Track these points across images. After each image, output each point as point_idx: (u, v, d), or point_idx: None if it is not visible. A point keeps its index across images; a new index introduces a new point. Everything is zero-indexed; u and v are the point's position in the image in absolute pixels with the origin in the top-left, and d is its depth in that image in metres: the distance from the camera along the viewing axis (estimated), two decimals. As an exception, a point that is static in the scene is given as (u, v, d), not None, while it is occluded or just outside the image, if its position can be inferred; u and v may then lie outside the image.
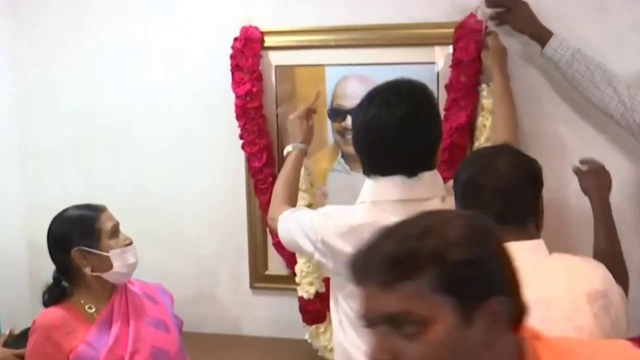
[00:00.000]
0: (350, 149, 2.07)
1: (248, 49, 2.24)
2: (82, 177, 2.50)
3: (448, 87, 2.11)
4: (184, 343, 1.99)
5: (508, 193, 1.40)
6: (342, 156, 2.29)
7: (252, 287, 2.44)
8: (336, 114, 2.26)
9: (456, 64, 2.09)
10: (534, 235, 1.44)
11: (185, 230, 2.48)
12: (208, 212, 2.46)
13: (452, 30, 2.09)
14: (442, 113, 2.07)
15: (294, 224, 1.70)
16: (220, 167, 2.43)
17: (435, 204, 1.53)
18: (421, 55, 2.17)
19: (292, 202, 1.88)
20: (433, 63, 2.16)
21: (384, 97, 1.54)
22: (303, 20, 2.25)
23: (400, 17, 2.17)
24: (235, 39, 2.26)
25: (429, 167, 1.56)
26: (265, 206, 2.28)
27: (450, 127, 2.09)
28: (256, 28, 2.26)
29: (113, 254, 1.87)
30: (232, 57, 2.25)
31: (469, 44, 2.06)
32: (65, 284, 1.89)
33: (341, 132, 2.27)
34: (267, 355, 2.31)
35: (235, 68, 2.25)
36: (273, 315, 2.42)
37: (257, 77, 2.24)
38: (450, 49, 2.11)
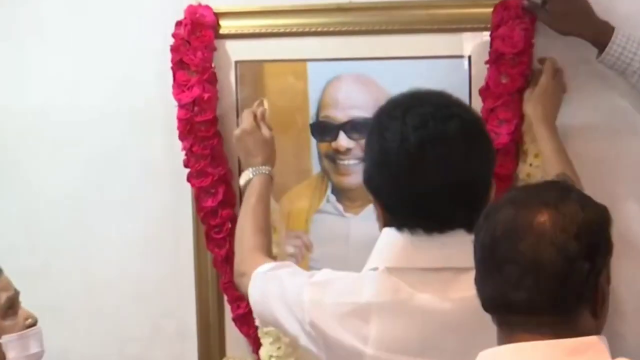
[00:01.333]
0: (344, 181, 2.28)
1: (196, 38, 2.26)
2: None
3: (483, 92, 2.14)
4: None
5: (547, 273, 1.30)
6: (333, 191, 2.31)
7: (201, 381, 2.46)
8: (323, 130, 2.29)
9: (495, 58, 2.12)
10: (587, 329, 1.34)
11: (102, 302, 2.49)
12: (136, 275, 2.48)
13: (489, 10, 2.13)
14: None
15: (273, 288, 1.72)
16: (154, 209, 2.45)
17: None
18: (444, 46, 2.21)
19: (268, 249, 1.92)
20: (461, 57, 2.21)
21: (416, 113, 1.58)
22: None
23: None
24: (178, 24, 2.28)
25: (471, 221, 1.48)
26: (221, 264, 2.31)
27: None
28: (207, 7, 2.29)
29: (7, 341, 1.88)
30: (173, 49, 2.28)
31: (513, 30, 2.09)
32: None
33: (331, 157, 2.29)
34: None
35: (178, 65, 2.27)
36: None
37: (210, 79, 2.27)
38: (487, 36, 2.15)
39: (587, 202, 1.36)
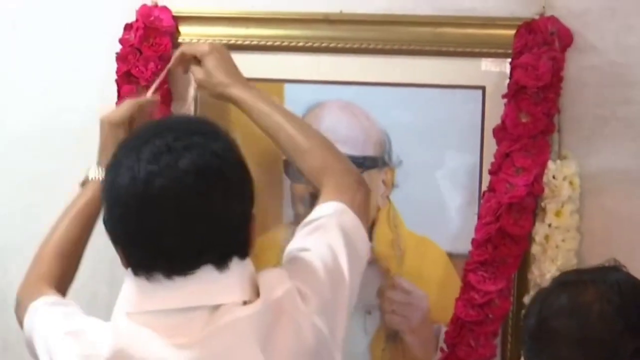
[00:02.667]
0: None
1: (149, 47, 2.14)
2: None
3: (498, 132, 2.03)
4: None
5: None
6: None
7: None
8: None
9: (515, 92, 2.00)
10: None
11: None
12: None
13: (511, 32, 2.01)
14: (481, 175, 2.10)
15: (42, 325, 1.68)
16: (102, 250, 2.13)
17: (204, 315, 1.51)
18: (454, 73, 2.10)
19: (62, 279, 1.86)
20: (474, 88, 2.09)
21: (153, 145, 1.51)
22: (246, 0, 2.16)
23: (420, 4, 2.09)
24: (127, 27, 2.16)
25: (220, 257, 1.53)
26: None
27: (498, 203, 1.99)
28: (165, 10, 2.16)
29: None
30: (119, 58, 2.16)
31: (539, 59, 1.97)
32: None
33: (308, 202, 2.13)
34: None
35: (124, 78, 2.15)
36: None
37: (163, 97, 2.12)
38: (507, 65, 2.05)
39: (635, 280, 1.51)
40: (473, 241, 2.00)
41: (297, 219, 2.11)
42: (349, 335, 2.10)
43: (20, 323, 1.75)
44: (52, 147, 2.31)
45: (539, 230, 2.01)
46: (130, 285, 1.55)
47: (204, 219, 1.48)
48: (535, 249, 2.02)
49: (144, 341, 1.49)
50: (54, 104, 2.30)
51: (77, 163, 2.15)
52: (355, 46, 2.09)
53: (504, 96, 2.00)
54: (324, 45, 2.10)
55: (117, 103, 2.11)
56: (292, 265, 1.62)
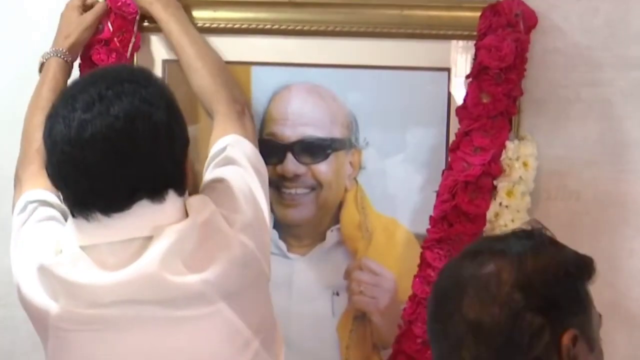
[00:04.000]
0: (290, 214, 2.17)
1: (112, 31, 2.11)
2: None
3: (459, 112, 2.03)
4: None
5: (491, 332, 1.31)
6: (275, 226, 2.15)
7: None
8: (267, 151, 2.07)
9: (477, 73, 2.00)
10: None
11: None
12: None
13: (477, 14, 2.02)
14: (447, 157, 2.09)
15: (17, 223, 1.80)
16: None
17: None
18: (420, 55, 2.10)
19: None
20: (440, 69, 2.10)
21: (87, 94, 1.59)
22: None
23: None
24: None
25: (154, 190, 1.62)
26: None
27: (455, 180, 2.00)
28: None
29: None
30: (86, 45, 2.12)
31: (503, 40, 1.97)
32: None
33: (275, 184, 2.13)
34: None
35: (88, 65, 2.13)
36: None
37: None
38: (472, 46, 2.05)
39: (548, 250, 1.35)
40: (430, 219, 2.01)
41: (265, 204, 2.21)
42: (317, 317, 2.14)
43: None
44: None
45: (491, 208, 2.02)
46: (70, 226, 1.64)
47: (133, 160, 1.55)
48: (485, 226, 2.03)
49: (82, 263, 1.59)
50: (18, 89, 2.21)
51: None
52: (322, 29, 2.09)
53: (467, 76, 2.01)
54: (290, 27, 2.10)
55: None
56: (212, 193, 1.70)
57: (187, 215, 1.64)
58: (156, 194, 1.60)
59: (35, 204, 1.81)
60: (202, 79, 1.98)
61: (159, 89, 1.64)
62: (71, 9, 2.05)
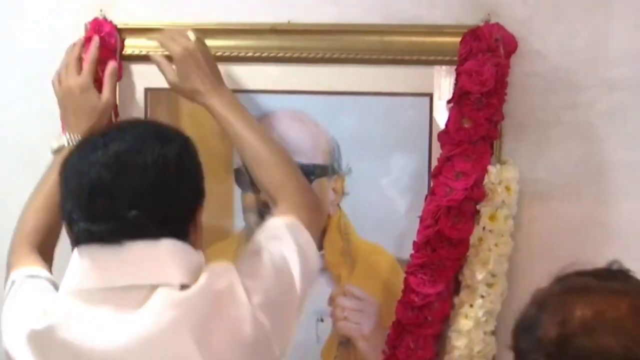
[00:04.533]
0: None
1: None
2: None
3: (441, 137, 2.04)
4: None
5: None
6: None
7: None
8: (251, 178, 2.09)
9: (459, 98, 2.01)
10: None
11: None
12: None
13: (457, 40, 2.03)
14: (429, 182, 2.10)
15: (10, 300, 1.74)
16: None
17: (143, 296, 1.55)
18: (402, 81, 2.11)
19: (51, 227, 1.89)
20: (422, 95, 2.10)
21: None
22: (194, 13, 2.15)
23: (367, 13, 2.10)
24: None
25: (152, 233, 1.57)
26: None
27: (438, 206, 2.00)
28: (112, 25, 2.16)
29: None
30: None
31: (483, 65, 1.98)
32: None
33: (259, 211, 2.15)
34: None
35: None
36: None
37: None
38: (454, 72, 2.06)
39: None
40: (414, 244, 2.01)
41: (248, 229, 2.17)
42: (302, 344, 2.14)
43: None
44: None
45: (474, 233, 2.03)
46: (72, 264, 1.59)
47: (152, 202, 1.55)
48: (468, 251, 2.04)
49: (77, 319, 1.55)
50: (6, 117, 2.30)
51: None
52: (304, 55, 2.10)
53: (448, 101, 2.02)
54: (272, 55, 2.11)
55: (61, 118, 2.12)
56: (242, 263, 1.66)
57: (199, 276, 1.61)
58: (154, 234, 1.56)
59: (23, 278, 1.78)
60: (274, 174, 1.90)
61: (183, 144, 1.65)
62: (79, 90, 2.01)
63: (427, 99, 2.08)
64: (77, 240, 1.59)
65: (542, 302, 1.37)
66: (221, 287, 1.59)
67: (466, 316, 2.06)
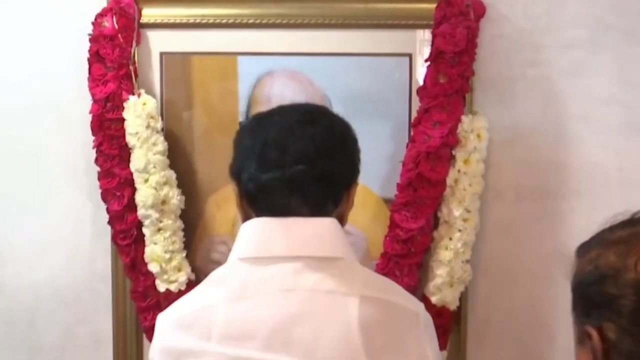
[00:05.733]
0: None
1: (121, 34, 2.23)
2: None
3: (420, 92, 2.16)
4: None
5: None
6: None
7: (118, 396, 2.41)
8: None
9: (435, 57, 2.13)
10: None
11: (13, 307, 2.43)
12: (51, 280, 2.41)
13: (433, 6, 2.16)
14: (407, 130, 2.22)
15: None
16: (71, 210, 2.39)
17: (299, 269, 1.57)
18: (384, 43, 2.23)
19: None
20: (402, 55, 2.24)
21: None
22: None
23: None
24: (103, 12, 2.23)
25: (318, 209, 1.62)
26: (129, 272, 2.27)
27: (418, 151, 2.13)
28: None
29: None
30: (92, 39, 2.25)
31: (456, 28, 2.11)
32: None
33: None
34: None
35: (95, 58, 2.24)
36: None
37: (127, 75, 2.25)
38: (429, 34, 2.19)
39: None
40: (397, 185, 2.13)
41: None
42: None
43: None
44: (36, 121, 2.38)
45: (450, 175, 2.14)
46: (244, 234, 1.63)
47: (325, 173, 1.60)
48: (445, 191, 2.16)
49: (255, 283, 1.57)
50: (39, 81, 2.36)
51: (58, 137, 2.35)
52: (298, 22, 2.21)
53: (426, 60, 2.13)
54: (270, 21, 2.22)
55: (88, 79, 2.23)
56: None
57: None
58: (314, 193, 1.60)
59: None
60: None
61: (344, 122, 1.72)
62: None
63: (407, 59, 2.21)
64: (246, 193, 1.63)
65: (619, 249, 1.28)
66: (411, 306, 1.61)
67: (446, 248, 2.17)
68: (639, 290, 1.22)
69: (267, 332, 1.53)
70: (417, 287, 2.19)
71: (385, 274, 2.14)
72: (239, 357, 1.53)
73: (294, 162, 1.58)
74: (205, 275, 1.76)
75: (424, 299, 2.14)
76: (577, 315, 1.33)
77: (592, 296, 1.29)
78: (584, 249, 1.35)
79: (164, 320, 1.64)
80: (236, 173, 1.65)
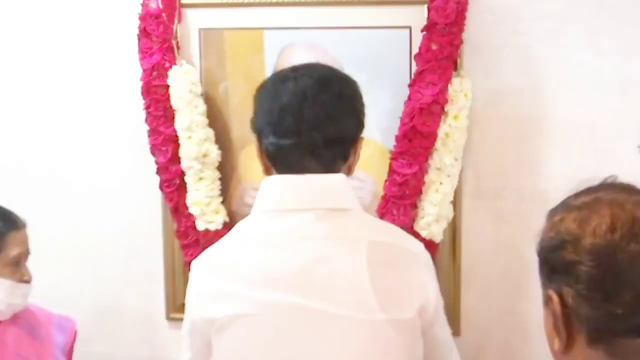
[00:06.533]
0: None
1: (162, 9, 2.43)
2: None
3: (416, 57, 2.34)
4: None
5: None
6: None
7: (168, 318, 2.67)
8: None
9: (429, 27, 2.32)
10: None
11: (80, 247, 2.70)
12: (111, 223, 2.68)
13: None
14: (407, 91, 2.35)
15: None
16: (126, 163, 2.64)
17: (311, 220, 1.67)
18: (389, 18, 2.40)
19: None
20: (403, 27, 2.41)
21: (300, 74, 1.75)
22: None
23: None
24: None
25: (331, 166, 1.71)
26: (174, 214, 2.52)
27: (413, 108, 2.31)
28: None
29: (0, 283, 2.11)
30: (141, 17, 2.47)
31: (448, 3, 2.29)
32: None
33: None
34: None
35: (143, 33, 2.45)
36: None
37: (169, 47, 2.45)
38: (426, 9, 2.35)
39: None
40: (396, 137, 2.30)
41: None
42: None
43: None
44: (92, 103, 2.63)
45: (441, 128, 2.31)
46: (265, 190, 1.74)
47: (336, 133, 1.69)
48: (437, 142, 2.31)
49: (276, 233, 1.68)
50: (95, 57, 2.60)
51: (117, 117, 2.61)
52: (316, 0, 2.41)
53: (422, 30, 2.30)
54: (292, 1, 2.42)
55: (138, 51, 2.44)
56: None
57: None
58: (325, 155, 1.70)
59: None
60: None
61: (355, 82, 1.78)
62: None
63: (407, 31, 2.39)
64: (266, 153, 1.72)
65: (580, 215, 1.23)
66: (412, 248, 1.72)
67: (437, 191, 2.33)
68: (597, 256, 1.18)
69: (288, 276, 1.63)
70: (411, 224, 2.34)
71: (384, 213, 2.31)
72: (264, 299, 1.63)
73: (308, 129, 1.66)
74: (240, 217, 1.94)
75: (414, 234, 2.28)
76: (541, 278, 1.29)
77: (552, 261, 1.25)
78: (551, 214, 1.30)
79: (198, 266, 1.74)
80: (258, 131, 1.74)
